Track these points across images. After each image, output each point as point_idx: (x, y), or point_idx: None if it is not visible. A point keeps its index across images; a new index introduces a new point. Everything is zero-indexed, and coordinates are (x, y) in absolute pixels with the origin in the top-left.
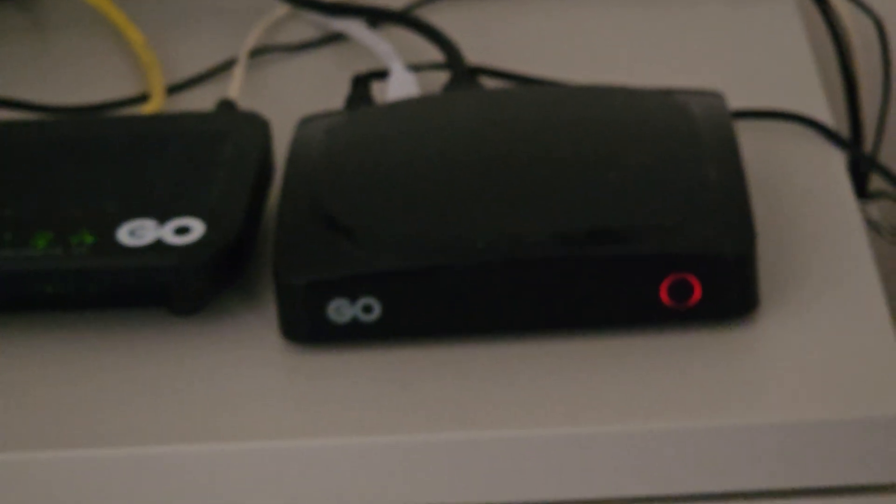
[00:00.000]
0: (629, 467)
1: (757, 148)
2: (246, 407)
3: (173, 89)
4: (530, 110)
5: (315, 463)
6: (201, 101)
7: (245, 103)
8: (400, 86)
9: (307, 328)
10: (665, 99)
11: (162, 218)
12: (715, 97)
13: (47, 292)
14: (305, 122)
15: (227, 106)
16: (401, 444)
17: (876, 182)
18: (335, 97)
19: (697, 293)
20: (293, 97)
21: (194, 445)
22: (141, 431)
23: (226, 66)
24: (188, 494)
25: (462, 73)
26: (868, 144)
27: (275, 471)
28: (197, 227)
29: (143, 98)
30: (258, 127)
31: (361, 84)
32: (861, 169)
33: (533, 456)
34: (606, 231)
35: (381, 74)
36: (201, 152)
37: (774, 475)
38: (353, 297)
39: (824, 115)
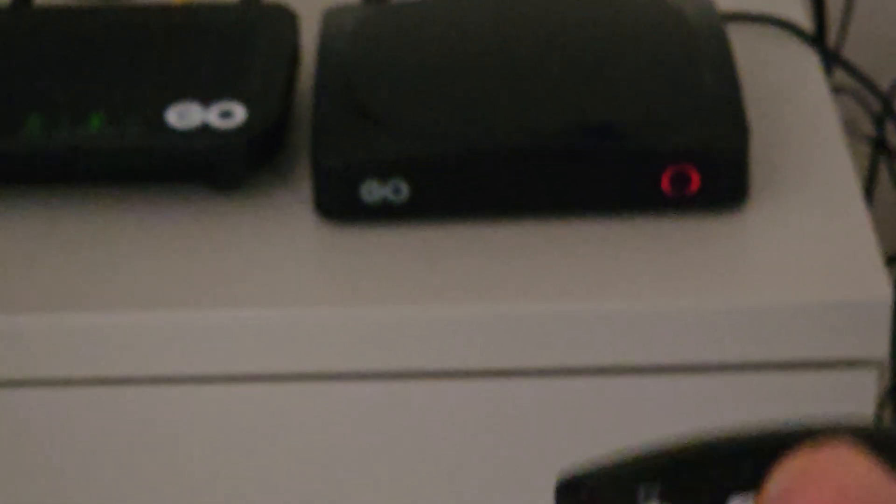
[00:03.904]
0: (631, 339)
1: (736, 49)
2: (281, 276)
3: None
4: (542, 10)
5: (343, 330)
6: None
7: None
8: None
9: (340, 207)
10: (659, 2)
11: (205, 102)
12: (704, 1)
13: (101, 169)
14: (332, 15)
15: None
16: (426, 314)
17: (837, 78)
18: None
19: (695, 183)
20: None
21: (231, 311)
22: (179, 296)
23: None
24: (222, 356)
25: None
26: (831, 43)
27: (306, 337)
28: (239, 112)
29: None
30: (287, 18)
31: None
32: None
33: (546, 327)
34: (615, 124)
35: None
36: (235, 42)
37: (759, 350)
38: (383, 179)
39: (799, 16)
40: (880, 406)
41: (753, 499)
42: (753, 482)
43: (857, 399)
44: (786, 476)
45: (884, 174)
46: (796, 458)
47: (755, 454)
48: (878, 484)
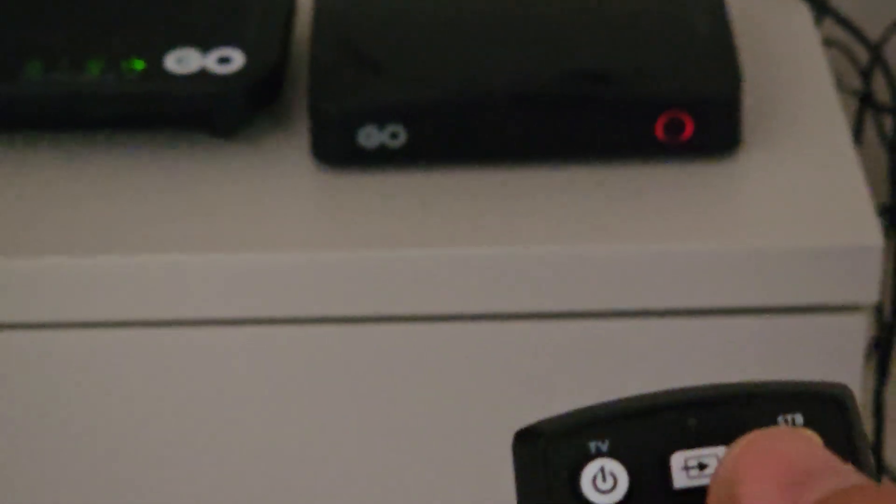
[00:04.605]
0: (623, 284)
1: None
2: (278, 221)
3: None
4: None
5: (341, 274)
6: None
7: None
8: None
9: (338, 152)
10: None
11: (205, 47)
12: None
13: (100, 114)
14: None
15: None
16: (423, 258)
17: (825, 32)
18: None
19: (689, 130)
20: None
21: (229, 255)
22: (177, 241)
23: None
24: (219, 300)
25: None
26: None
27: (303, 281)
28: (237, 58)
29: None
30: None
31: None
32: (816, 16)
33: (541, 272)
34: (610, 70)
35: None
36: None
37: (750, 295)
38: (381, 124)
39: None
40: (865, 358)
41: (696, 455)
42: (696, 440)
43: (847, 344)
44: (734, 457)
45: (870, 128)
46: (744, 440)
47: (698, 413)
48: (818, 456)
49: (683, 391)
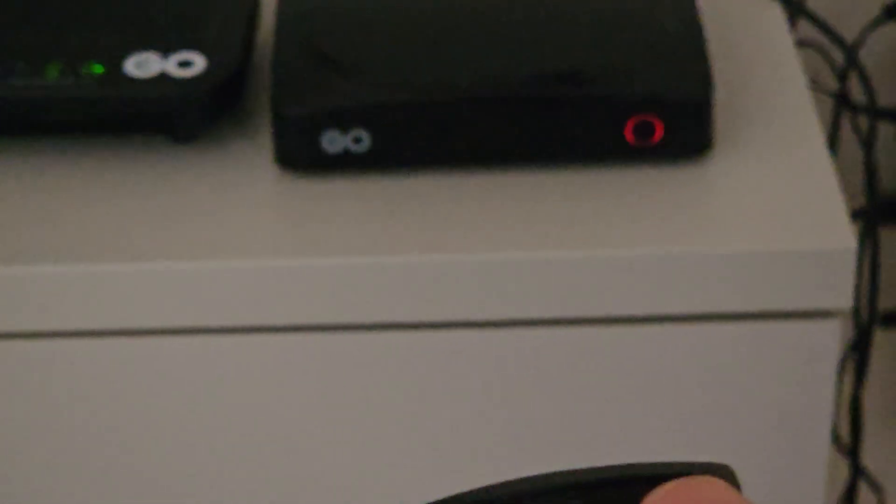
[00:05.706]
0: (592, 289)
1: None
2: (241, 228)
3: None
4: None
5: (305, 281)
6: None
7: None
8: None
9: (302, 157)
10: None
11: (165, 51)
12: None
13: (59, 119)
14: None
15: None
16: (388, 265)
17: (800, 32)
18: None
19: (659, 133)
20: None
21: (192, 263)
22: (138, 248)
23: None
24: (181, 309)
25: None
26: None
27: (267, 289)
28: (198, 61)
29: None
30: None
31: None
32: (791, 17)
33: (509, 278)
34: (578, 73)
35: None
36: None
37: (723, 300)
38: (344, 129)
39: None
40: (843, 360)
41: None
42: None
43: (820, 350)
44: (656, 499)
45: (846, 129)
46: (665, 487)
47: (582, 496)
48: (736, 502)
49: (567, 474)
